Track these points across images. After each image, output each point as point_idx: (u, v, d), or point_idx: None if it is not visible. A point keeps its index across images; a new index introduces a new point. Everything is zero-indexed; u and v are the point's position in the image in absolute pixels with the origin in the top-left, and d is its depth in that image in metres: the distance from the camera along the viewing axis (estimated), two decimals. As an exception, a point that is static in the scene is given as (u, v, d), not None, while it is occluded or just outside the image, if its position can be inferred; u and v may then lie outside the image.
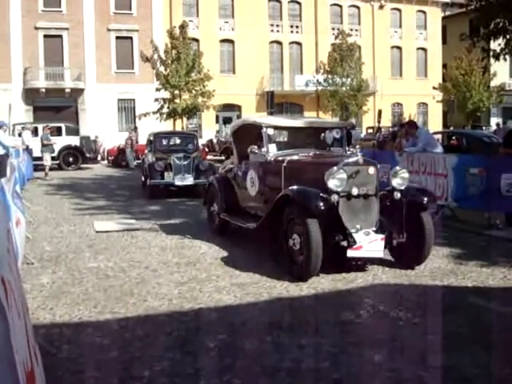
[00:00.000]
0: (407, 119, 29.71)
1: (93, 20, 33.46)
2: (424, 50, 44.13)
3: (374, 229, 5.75)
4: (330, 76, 33.26)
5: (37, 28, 32.24)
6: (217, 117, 37.14)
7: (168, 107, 27.76)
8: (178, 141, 14.89)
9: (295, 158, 6.91)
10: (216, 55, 36.84)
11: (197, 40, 34.53)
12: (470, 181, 8.53)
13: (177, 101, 27.70)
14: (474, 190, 8.46)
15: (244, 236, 7.50)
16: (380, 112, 27.64)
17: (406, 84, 42.13)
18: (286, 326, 4.44)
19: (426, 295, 5.45)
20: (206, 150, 25.14)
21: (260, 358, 3.77)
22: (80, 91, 33.32)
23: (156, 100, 27.68)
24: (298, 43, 40.45)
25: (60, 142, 21.27)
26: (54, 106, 31.96)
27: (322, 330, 4.35)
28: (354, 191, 5.69)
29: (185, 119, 29.93)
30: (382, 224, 5.87)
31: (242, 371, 3.59)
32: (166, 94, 27.94)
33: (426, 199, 6.04)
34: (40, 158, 18.42)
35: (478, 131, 25.86)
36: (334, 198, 5.58)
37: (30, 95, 32.38)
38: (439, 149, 10.12)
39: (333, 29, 38.52)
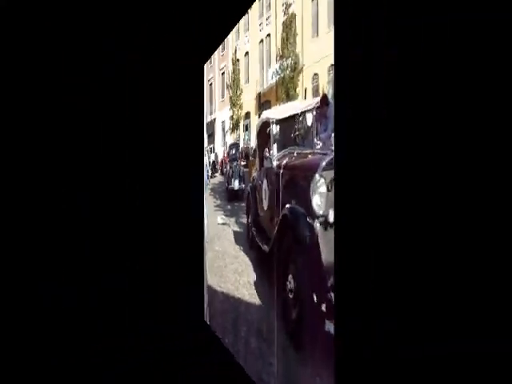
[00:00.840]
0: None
1: (217, 64, 50.61)
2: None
3: None
4: (280, 61, 24.85)
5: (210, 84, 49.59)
6: (243, 125, 44.64)
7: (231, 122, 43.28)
8: (233, 150, 20.76)
9: (287, 160, 3.09)
10: (243, 69, 44.45)
11: (238, 60, 46.19)
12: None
13: (234, 116, 43.39)
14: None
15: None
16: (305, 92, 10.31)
17: (321, 41, 9.94)
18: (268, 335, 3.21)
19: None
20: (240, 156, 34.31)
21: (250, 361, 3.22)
22: (214, 120, 52.08)
23: (230, 118, 43.61)
24: (269, 34, 31.26)
25: (212, 158, 39.90)
26: (209, 133, 51.39)
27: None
28: (331, 216, 1.75)
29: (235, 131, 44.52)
30: None
31: (249, 366, 3.18)
32: (231, 112, 43.48)
33: None
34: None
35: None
36: (316, 226, 1.96)
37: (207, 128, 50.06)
38: None
39: (282, 5, 18.75)
